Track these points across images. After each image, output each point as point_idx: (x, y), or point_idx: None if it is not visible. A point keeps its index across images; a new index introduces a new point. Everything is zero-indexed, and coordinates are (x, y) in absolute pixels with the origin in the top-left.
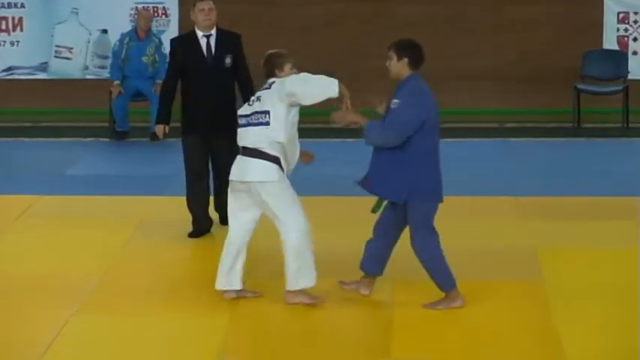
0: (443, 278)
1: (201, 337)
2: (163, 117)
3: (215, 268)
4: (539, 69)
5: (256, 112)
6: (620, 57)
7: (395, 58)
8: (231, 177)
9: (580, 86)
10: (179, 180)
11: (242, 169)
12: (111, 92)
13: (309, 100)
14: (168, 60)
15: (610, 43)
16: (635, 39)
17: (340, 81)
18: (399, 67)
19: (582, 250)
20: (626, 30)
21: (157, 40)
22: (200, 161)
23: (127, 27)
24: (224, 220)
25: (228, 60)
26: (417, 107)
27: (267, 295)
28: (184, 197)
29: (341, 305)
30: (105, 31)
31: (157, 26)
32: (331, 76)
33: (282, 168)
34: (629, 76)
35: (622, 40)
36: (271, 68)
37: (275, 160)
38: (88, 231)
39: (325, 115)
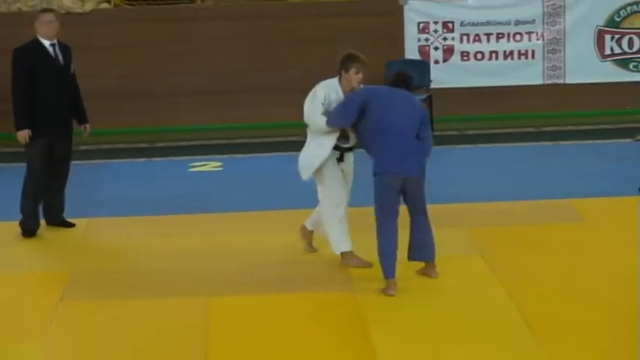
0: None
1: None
2: (26, 122)
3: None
4: None
5: None
6: (422, 66)
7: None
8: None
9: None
10: None
11: None
12: None
13: None
14: (14, 69)
15: (412, 52)
16: (436, 48)
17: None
18: None
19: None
20: (427, 40)
21: None
22: (46, 163)
23: None
24: (66, 224)
25: (72, 67)
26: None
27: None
28: None
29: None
30: None
31: None
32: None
33: None
34: (432, 85)
35: (423, 50)
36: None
37: None
38: None
39: None
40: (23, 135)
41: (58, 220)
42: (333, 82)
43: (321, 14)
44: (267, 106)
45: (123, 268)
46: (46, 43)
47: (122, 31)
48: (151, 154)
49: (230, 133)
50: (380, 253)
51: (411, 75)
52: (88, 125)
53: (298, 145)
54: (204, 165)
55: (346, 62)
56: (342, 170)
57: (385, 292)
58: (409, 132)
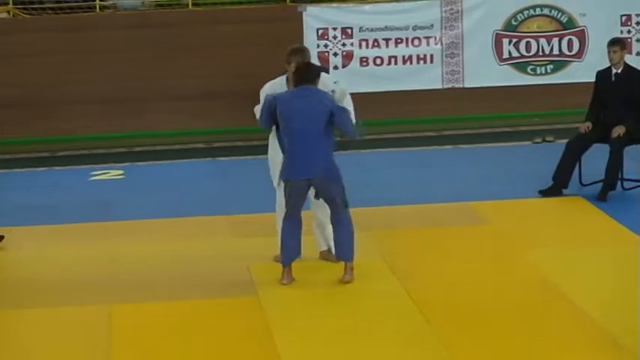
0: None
1: None
2: None
3: None
4: (247, 87)
5: None
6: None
7: None
8: None
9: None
10: None
11: None
12: None
13: None
14: None
15: (311, 58)
16: (335, 54)
17: None
18: None
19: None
20: (326, 45)
21: None
22: None
23: None
24: None
25: None
26: None
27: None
28: None
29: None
30: None
31: None
32: None
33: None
34: None
35: (323, 56)
36: None
37: None
38: None
39: None
40: None
41: None
42: (281, 78)
43: (220, 21)
44: (167, 113)
45: (24, 276)
46: None
47: (21, 40)
48: (52, 163)
49: (131, 141)
50: (280, 245)
51: (309, 65)
52: None
53: (199, 152)
54: (106, 173)
55: (289, 56)
56: None
57: (280, 281)
58: (312, 134)
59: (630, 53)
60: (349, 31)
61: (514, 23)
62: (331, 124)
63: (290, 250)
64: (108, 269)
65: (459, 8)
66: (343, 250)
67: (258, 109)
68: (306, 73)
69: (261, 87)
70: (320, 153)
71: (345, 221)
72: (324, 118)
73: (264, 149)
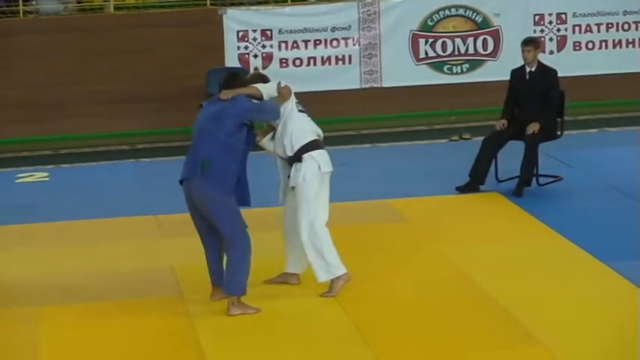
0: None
1: None
2: None
3: None
4: (168, 89)
5: None
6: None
7: None
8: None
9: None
10: None
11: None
12: None
13: None
14: None
15: (232, 61)
16: (255, 56)
17: None
18: None
19: None
20: (246, 47)
21: None
22: None
23: None
24: None
25: None
26: None
27: None
28: None
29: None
30: None
31: None
32: None
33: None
34: None
35: (243, 58)
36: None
37: None
38: None
39: None
40: None
41: None
42: None
43: (141, 25)
44: (91, 117)
45: None
46: None
47: None
48: None
49: (56, 144)
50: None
51: (232, 75)
52: None
53: (123, 154)
54: (31, 176)
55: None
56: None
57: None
58: (207, 135)
59: (544, 52)
60: (269, 33)
61: (430, 23)
62: (242, 132)
63: (210, 269)
64: (36, 270)
65: (376, 9)
66: (225, 282)
67: None
68: (226, 82)
69: (184, 89)
70: (208, 155)
71: (232, 255)
72: (228, 120)
73: (184, 150)
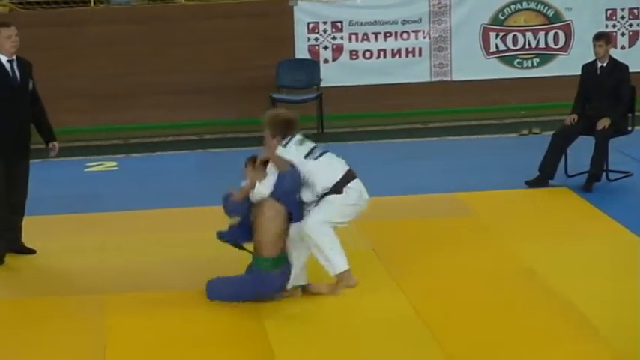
0: None
1: None
2: None
3: None
4: (237, 80)
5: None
6: (312, 66)
7: None
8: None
9: (275, 95)
10: None
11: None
12: None
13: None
14: None
15: (302, 52)
16: (325, 47)
17: None
18: None
19: None
20: (316, 39)
21: None
22: (5, 186)
23: None
24: (25, 250)
25: (30, 84)
26: None
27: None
28: None
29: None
30: None
31: None
32: None
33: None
34: (322, 84)
35: (313, 49)
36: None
37: None
38: None
39: None
40: None
41: (17, 247)
42: None
43: (211, 16)
44: (160, 107)
45: (19, 266)
46: (4, 59)
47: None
48: (46, 155)
49: (125, 133)
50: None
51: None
52: (56, 143)
53: (192, 145)
54: (100, 165)
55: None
56: None
57: None
58: None
59: (615, 47)
60: (339, 25)
61: (501, 17)
62: None
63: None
64: (101, 259)
65: (447, 3)
66: None
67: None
68: None
69: (254, 80)
70: None
71: None
72: None
73: (251, 141)
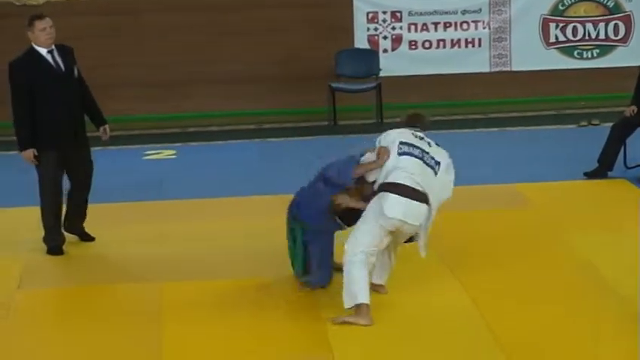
0: None
1: None
2: (28, 141)
3: None
4: (295, 70)
5: (428, 155)
6: (371, 55)
7: None
8: (401, 217)
9: (334, 85)
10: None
11: (417, 214)
12: None
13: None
14: (11, 85)
15: (361, 42)
16: (385, 37)
17: None
18: None
19: None
20: (375, 29)
21: None
22: (57, 176)
23: None
24: (85, 236)
25: (75, 71)
26: None
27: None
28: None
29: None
30: None
31: None
32: None
33: None
34: (381, 74)
35: (372, 39)
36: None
37: None
38: None
39: None
40: (28, 155)
41: (78, 231)
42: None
43: (269, 6)
44: (218, 96)
45: (78, 254)
46: (43, 51)
47: (73, 23)
48: (106, 142)
49: (184, 122)
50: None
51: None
52: (107, 127)
53: (250, 134)
54: (159, 153)
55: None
56: None
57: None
58: None
59: None
60: (399, 14)
61: (561, 8)
62: None
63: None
64: (160, 247)
65: None
66: None
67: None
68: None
69: (312, 70)
70: None
71: None
72: None
73: (310, 130)
